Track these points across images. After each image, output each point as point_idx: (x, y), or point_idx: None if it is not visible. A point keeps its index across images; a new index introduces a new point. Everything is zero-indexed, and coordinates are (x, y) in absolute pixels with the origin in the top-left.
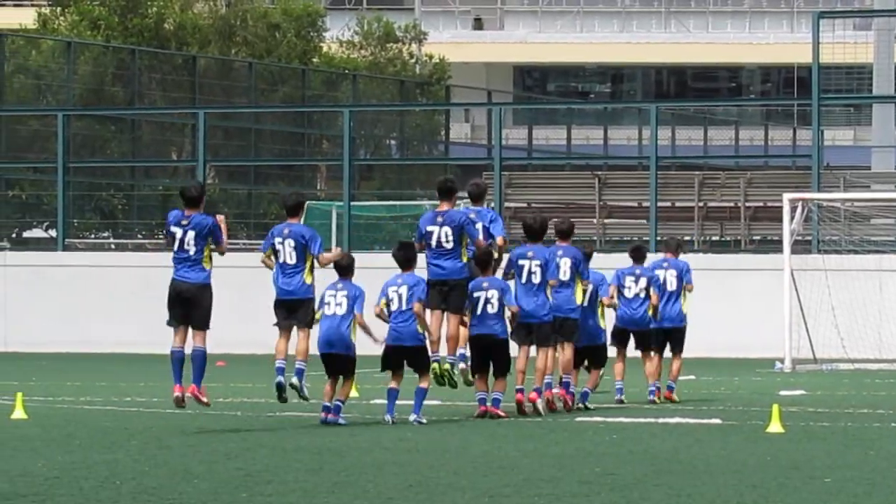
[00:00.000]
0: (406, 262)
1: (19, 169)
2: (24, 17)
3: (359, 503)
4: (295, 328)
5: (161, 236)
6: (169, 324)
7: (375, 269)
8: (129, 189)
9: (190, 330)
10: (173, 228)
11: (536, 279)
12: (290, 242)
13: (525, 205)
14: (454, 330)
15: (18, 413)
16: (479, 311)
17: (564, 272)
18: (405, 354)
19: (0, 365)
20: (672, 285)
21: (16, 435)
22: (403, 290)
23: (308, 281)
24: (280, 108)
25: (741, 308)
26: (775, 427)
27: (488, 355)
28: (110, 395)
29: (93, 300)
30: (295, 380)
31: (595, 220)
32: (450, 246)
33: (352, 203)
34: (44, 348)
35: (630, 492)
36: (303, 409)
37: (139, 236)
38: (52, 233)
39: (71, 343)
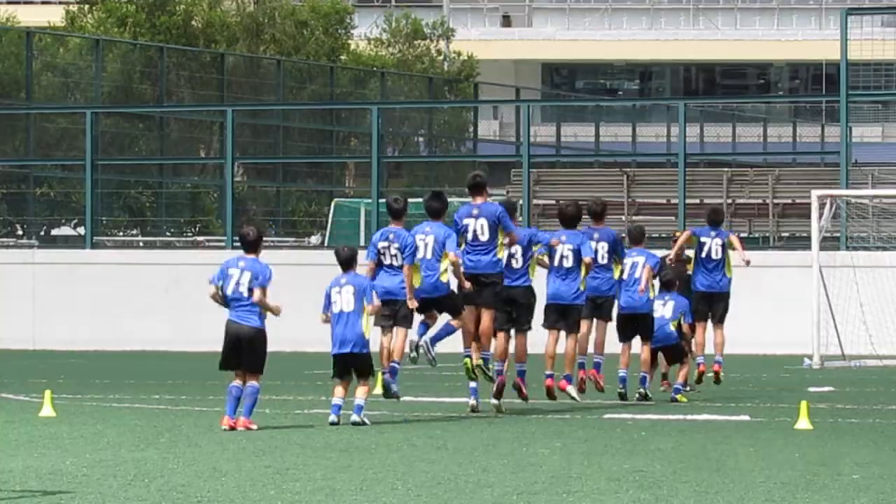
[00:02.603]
0: (436, 212)
1: (48, 167)
2: (52, 15)
3: (387, 500)
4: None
5: (190, 233)
6: (221, 369)
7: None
8: (157, 187)
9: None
10: (231, 271)
11: (568, 263)
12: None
13: (553, 202)
14: (487, 326)
15: (47, 411)
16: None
17: (602, 256)
18: (435, 304)
19: (29, 363)
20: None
21: (45, 433)
22: (430, 241)
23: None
24: (308, 106)
25: (770, 305)
26: (804, 424)
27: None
28: (139, 392)
29: (121, 298)
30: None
31: (623, 217)
32: (485, 238)
33: (380, 200)
34: (72, 346)
35: (658, 489)
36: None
37: (167, 234)
38: (81, 230)
39: (99, 341)
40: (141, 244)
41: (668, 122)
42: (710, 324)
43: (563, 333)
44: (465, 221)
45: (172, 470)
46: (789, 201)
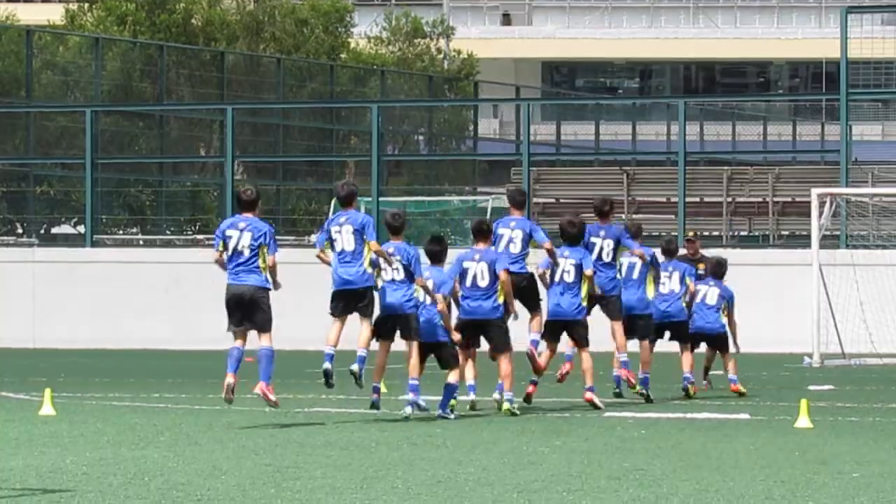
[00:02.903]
0: (435, 255)
1: (47, 165)
2: (52, 13)
3: (387, 499)
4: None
5: (190, 232)
6: (228, 329)
7: None
8: (157, 185)
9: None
10: (229, 232)
11: (570, 278)
12: (349, 228)
13: (553, 200)
14: (537, 324)
15: (47, 409)
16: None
17: (608, 254)
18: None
19: (29, 361)
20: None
21: (45, 431)
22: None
23: (368, 270)
24: (308, 104)
25: (769, 303)
26: (804, 422)
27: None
28: (139, 391)
29: (121, 296)
30: (356, 366)
31: (623, 216)
32: (516, 250)
33: (380, 199)
34: (72, 344)
35: (659, 487)
36: (331, 405)
37: (168, 232)
38: (81, 229)
39: (99, 339)
40: (141, 243)
41: (668, 121)
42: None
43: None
44: (500, 231)
45: (172, 468)
46: (789, 200)
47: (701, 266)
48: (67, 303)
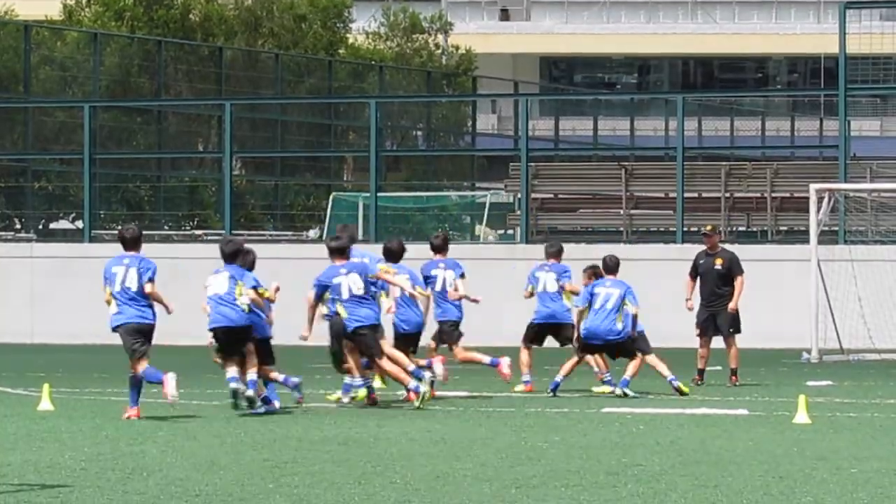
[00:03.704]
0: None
1: (46, 161)
2: (50, 9)
3: (385, 494)
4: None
5: (188, 227)
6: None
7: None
8: (155, 180)
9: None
10: (114, 269)
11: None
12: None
13: (552, 196)
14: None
15: (45, 404)
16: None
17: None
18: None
19: (27, 356)
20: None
21: (43, 426)
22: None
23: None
24: (306, 100)
25: (768, 299)
26: (802, 418)
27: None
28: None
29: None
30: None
31: (622, 211)
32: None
33: (378, 194)
34: (71, 340)
35: (656, 482)
36: (329, 400)
37: (166, 227)
38: (79, 224)
39: (98, 335)
40: None
41: (666, 116)
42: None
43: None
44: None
45: (171, 464)
46: (787, 195)
47: (719, 261)
48: (66, 298)
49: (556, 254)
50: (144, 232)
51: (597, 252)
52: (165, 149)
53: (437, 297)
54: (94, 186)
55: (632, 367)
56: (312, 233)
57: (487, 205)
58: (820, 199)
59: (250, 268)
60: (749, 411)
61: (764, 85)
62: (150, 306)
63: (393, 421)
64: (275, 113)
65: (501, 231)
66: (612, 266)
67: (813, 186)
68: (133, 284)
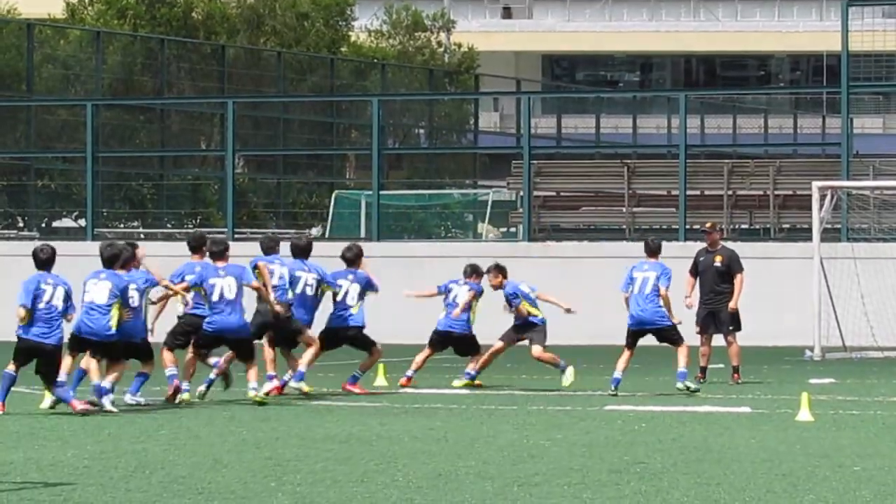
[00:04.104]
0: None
1: (48, 159)
2: (52, 7)
3: (388, 492)
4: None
5: (191, 225)
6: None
7: (404, 258)
8: (158, 178)
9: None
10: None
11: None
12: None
13: (554, 193)
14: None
15: (48, 402)
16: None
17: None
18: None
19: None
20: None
21: (45, 424)
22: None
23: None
24: (309, 98)
25: (770, 296)
26: (805, 415)
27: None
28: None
29: None
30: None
31: (624, 209)
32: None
33: (381, 192)
34: None
35: (659, 480)
36: (332, 399)
37: (168, 226)
38: (82, 222)
39: None
40: (142, 236)
41: (668, 114)
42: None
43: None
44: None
45: (173, 462)
46: (790, 193)
47: (719, 259)
48: None
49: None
50: (147, 230)
51: (599, 250)
52: (168, 147)
53: (338, 305)
54: (97, 184)
55: (682, 356)
56: (315, 231)
57: (490, 203)
58: (822, 197)
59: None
60: (752, 409)
61: (766, 82)
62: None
63: (395, 419)
64: (277, 111)
65: (504, 229)
66: (653, 248)
67: (815, 184)
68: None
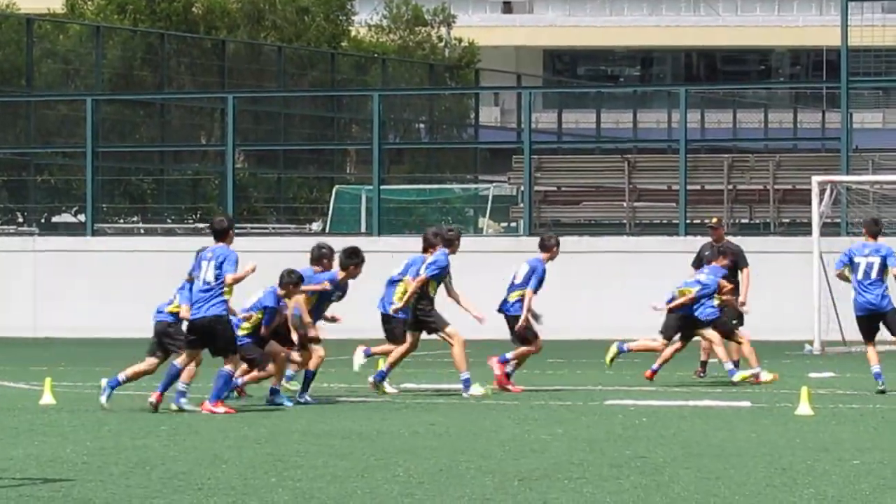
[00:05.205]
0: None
1: (48, 154)
2: (52, 2)
3: (389, 487)
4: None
5: (191, 220)
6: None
7: (406, 253)
8: (158, 173)
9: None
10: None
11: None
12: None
13: (555, 188)
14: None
15: (47, 398)
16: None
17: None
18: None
19: (30, 350)
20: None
21: (45, 420)
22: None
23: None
24: (309, 93)
25: (770, 291)
26: (804, 409)
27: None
28: (140, 380)
29: (122, 285)
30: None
31: (625, 204)
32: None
33: (381, 187)
34: (73, 333)
35: (660, 474)
36: (332, 393)
37: (169, 220)
38: (82, 217)
39: (101, 328)
40: (142, 231)
41: (669, 109)
42: None
43: None
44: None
45: (173, 457)
46: (790, 187)
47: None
48: (68, 291)
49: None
50: (147, 225)
51: (600, 245)
52: (168, 142)
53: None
54: (97, 180)
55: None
56: (315, 226)
57: (490, 198)
58: (822, 192)
59: None
60: (752, 403)
61: (766, 77)
62: None
63: (396, 414)
64: (277, 106)
65: (505, 224)
66: (874, 230)
67: (815, 178)
68: None
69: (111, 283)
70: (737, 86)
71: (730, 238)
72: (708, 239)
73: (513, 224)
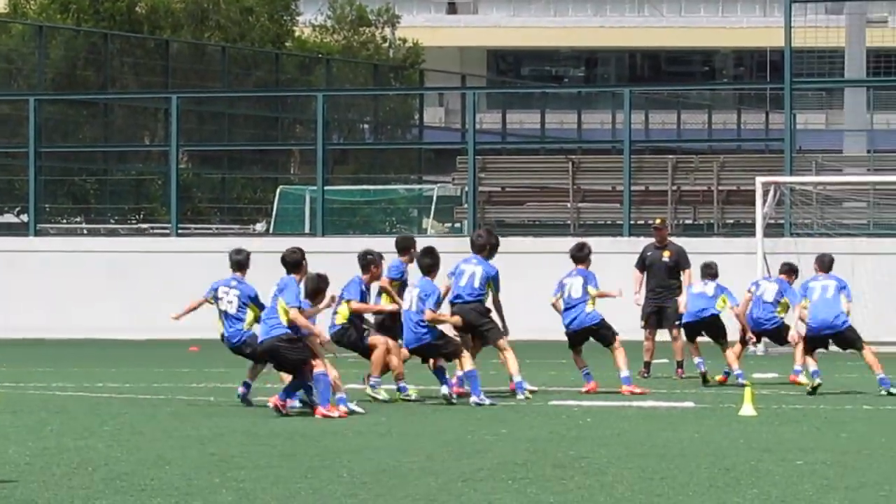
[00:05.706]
0: (428, 268)
1: None
2: None
3: (333, 488)
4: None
5: (134, 220)
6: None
7: (349, 254)
8: (101, 174)
9: None
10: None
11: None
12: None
13: (499, 189)
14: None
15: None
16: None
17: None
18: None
19: None
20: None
21: None
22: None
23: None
24: (253, 93)
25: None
26: (748, 410)
27: None
28: (82, 380)
29: (65, 285)
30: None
31: (569, 204)
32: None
33: (325, 188)
34: (15, 334)
35: (604, 475)
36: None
37: (112, 221)
38: (24, 218)
39: (42, 328)
40: (85, 231)
41: (613, 109)
42: None
43: None
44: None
45: (116, 458)
46: (734, 188)
47: (667, 254)
48: (11, 292)
49: (788, 271)
50: (91, 226)
51: (544, 245)
52: (111, 142)
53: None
54: (40, 180)
55: (873, 361)
56: (259, 226)
57: (435, 198)
58: (766, 192)
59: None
60: (695, 404)
61: (710, 78)
62: None
63: None
64: (222, 106)
65: (449, 224)
66: (827, 263)
67: (759, 179)
68: None
69: (54, 283)
70: (681, 87)
71: (673, 239)
72: (652, 240)
73: (457, 224)
